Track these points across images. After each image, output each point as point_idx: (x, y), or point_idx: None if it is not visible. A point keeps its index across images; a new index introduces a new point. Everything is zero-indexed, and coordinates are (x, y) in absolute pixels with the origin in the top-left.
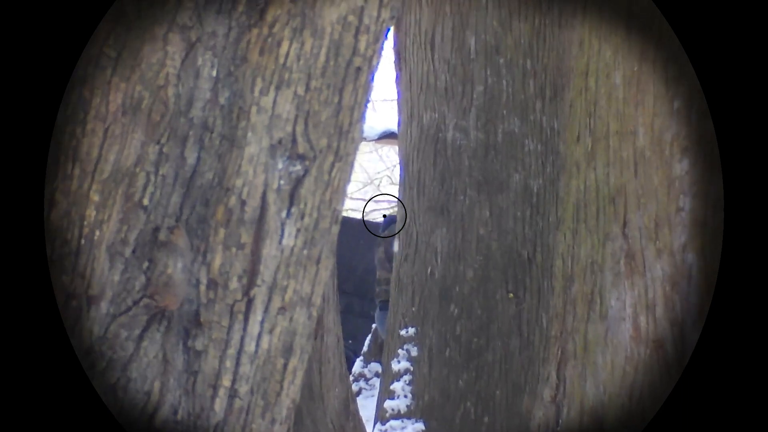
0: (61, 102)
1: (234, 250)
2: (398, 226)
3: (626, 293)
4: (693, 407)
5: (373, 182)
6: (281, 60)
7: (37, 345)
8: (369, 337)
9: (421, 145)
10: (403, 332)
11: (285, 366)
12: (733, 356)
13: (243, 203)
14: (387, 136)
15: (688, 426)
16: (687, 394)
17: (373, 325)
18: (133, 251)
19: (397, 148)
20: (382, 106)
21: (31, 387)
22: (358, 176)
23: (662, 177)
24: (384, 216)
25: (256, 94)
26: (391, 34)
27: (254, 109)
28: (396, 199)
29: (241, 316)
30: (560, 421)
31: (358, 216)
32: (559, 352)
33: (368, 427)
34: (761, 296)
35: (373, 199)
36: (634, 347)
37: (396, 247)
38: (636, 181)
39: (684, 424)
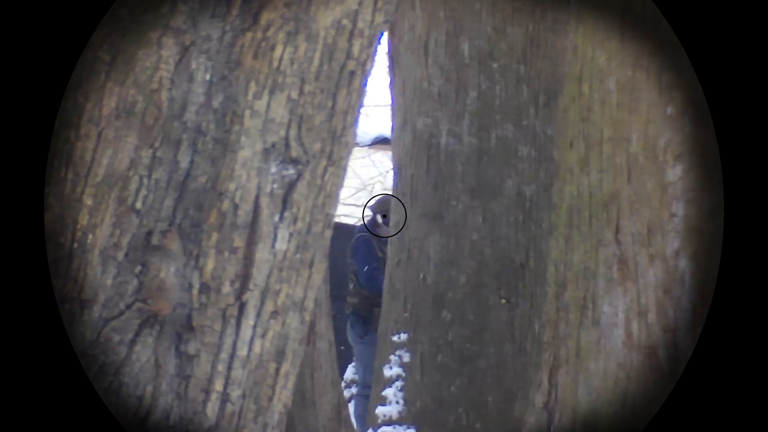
0: (59, 107)
1: (227, 254)
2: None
3: (619, 299)
4: (686, 414)
5: (366, 188)
6: (275, 64)
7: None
8: None
9: (414, 150)
10: (395, 338)
11: (277, 371)
12: (726, 363)
13: (236, 207)
14: (380, 142)
15: None
16: (680, 400)
17: None
18: (126, 255)
19: (389, 153)
20: (375, 111)
21: (30, 386)
22: (350, 182)
23: (655, 183)
24: (384, 216)
25: (250, 98)
26: (384, 39)
27: (248, 113)
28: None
29: (233, 321)
30: (552, 427)
31: (351, 221)
32: (552, 358)
33: None
34: (757, 302)
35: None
36: (626, 353)
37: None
38: (629, 187)
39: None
